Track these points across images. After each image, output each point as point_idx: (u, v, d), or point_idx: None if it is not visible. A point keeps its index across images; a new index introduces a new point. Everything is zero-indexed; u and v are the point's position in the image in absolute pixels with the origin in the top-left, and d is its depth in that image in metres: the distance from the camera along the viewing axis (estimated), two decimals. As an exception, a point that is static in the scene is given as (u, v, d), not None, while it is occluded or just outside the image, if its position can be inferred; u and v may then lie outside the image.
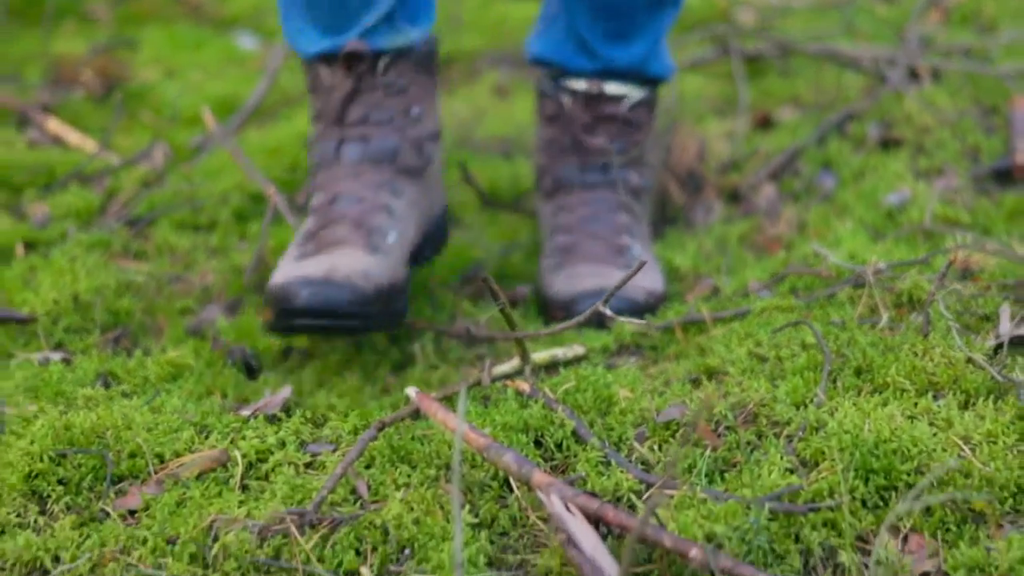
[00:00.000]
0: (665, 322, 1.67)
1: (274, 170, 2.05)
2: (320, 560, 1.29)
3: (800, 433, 1.40)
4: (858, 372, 1.49)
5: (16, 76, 2.39)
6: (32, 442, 1.43)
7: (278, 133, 2.19)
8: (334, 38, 1.58)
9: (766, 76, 2.33)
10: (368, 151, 1.56)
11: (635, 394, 1.51)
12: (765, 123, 2.17)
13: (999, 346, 1.48)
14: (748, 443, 1.41)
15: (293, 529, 1.30)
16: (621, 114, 1.82)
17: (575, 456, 1.42)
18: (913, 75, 2.24)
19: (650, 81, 1.84)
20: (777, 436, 1.41)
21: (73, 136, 2.17)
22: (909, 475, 1.31)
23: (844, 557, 1.27)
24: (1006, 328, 1.50)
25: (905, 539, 1.31)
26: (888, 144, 2.06)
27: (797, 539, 1.29)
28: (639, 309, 1.70)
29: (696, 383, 1.53)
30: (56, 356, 1.64)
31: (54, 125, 2.20)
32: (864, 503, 1.32)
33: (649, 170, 1.89)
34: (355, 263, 1.49)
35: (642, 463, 1.40)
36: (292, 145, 2.11)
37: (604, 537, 1.28)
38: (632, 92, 1.83)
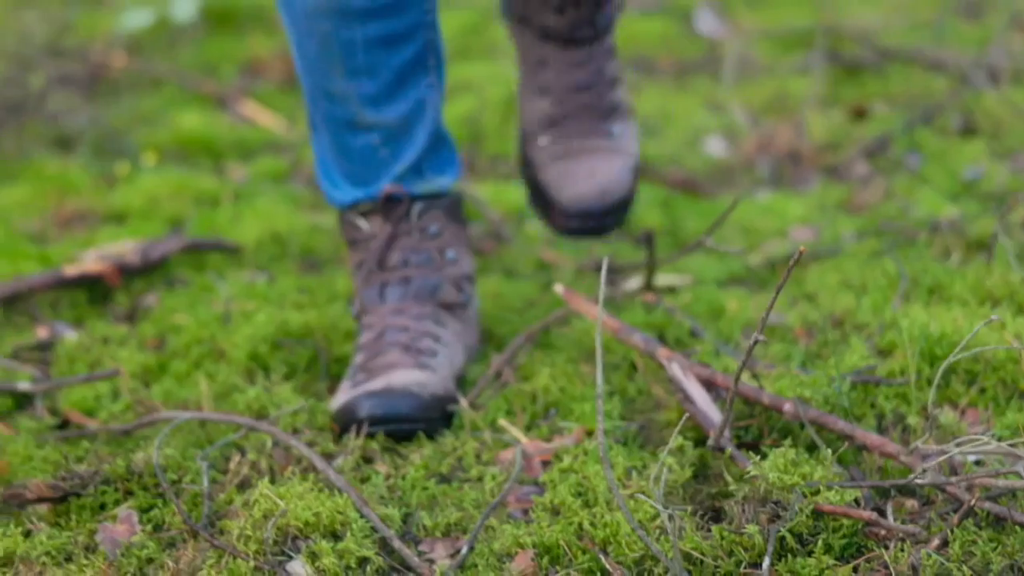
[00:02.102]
0: (769, 259, 1.98)
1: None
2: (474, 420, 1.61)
3: (878, 331, 1.69)
4: (930, 291, 1.78)
5: (215, 71, 2.80)
6: (256, 329, 1.76)
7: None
8: (367, 188, 1.66)
9: (862, 79, 2.64)
10: (410, 290, 1.65)
11: (742, 306, 1.82)
12: (860, 114, 2.47)
13: (1051, 272, 1.76)
14: (835, 341, 1.71)
15: (462, 401, 1.63)
16: None
17: (691, 348, 1.73)
18: (993, 79, 2.52)
19: None
20: (859, 335, 1.71)
21: (264, 117, 2.55)
22: (967, 362, 1.60)
23: (911, 420, 1.55)
24: (1059, 259, 1.78)
25: (963, 412, 1.59)
26: (968, 132, 2.35)
27: (873, 405, 1.58)
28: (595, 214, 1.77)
29: (794, 301, 1.84)
30: (261, 276, 2.00)
31: (248, 108, 2.59)
32: (929, 382, 1.60)
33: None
34: (409, 377, 1.58)
35: (746, 354, 1.71)
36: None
37: (714, 399, 1.58)
38: None
